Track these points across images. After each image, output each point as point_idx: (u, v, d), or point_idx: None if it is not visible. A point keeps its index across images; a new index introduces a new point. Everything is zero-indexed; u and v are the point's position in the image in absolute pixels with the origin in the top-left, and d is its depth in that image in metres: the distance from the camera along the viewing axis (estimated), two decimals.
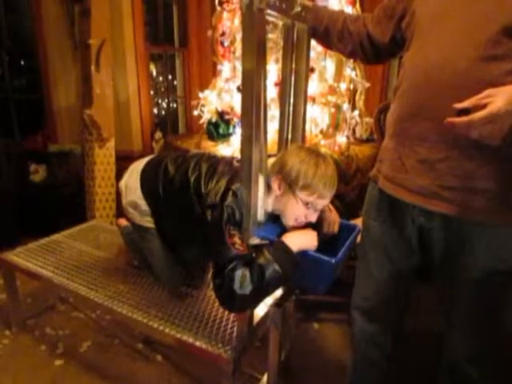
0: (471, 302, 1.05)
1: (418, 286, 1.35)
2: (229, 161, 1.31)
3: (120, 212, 2.84)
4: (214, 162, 1.31)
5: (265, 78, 1.05)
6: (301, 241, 1.11)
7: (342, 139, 2.50)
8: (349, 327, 1.98)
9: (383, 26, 1.17)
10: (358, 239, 1.31)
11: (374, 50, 1.23)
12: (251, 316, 1.27)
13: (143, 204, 1.46)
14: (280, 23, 2.18)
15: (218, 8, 2.53)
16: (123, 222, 1.94)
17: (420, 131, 0.99)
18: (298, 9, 1.12)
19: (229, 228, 1.10)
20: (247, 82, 0.97)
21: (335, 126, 2.45)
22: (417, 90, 1.00)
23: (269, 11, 1.01)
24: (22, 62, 3.61)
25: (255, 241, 1.13)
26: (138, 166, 1.52)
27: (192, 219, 1.27)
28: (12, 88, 3.31)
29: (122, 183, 1.55)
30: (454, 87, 0.91)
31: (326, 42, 1.32)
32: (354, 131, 2.63)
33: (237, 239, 1.10)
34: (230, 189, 1.14)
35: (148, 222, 1.49)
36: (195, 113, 2.82)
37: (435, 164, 0.97)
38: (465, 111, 0.81)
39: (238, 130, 2.60)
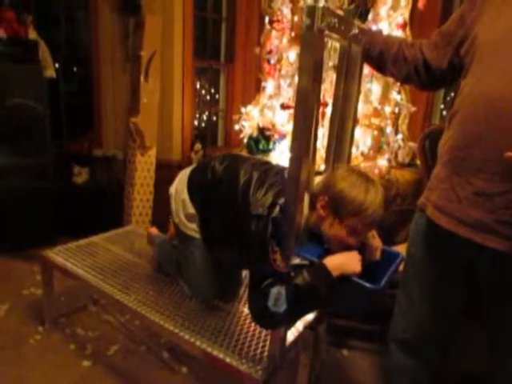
0: None
1: (463, 324, 1.28)
2: (280, 170, 1.30)
3: (155, 220, 2.91)
4: (266, 169, 1.30)
5: (318, 98, 1.04)
6: (343, 266, 1.08)
7: (382, 162, 2.45)
8: (379, 358, 1.92)
9: (440, 51, 1.15)
10: (400, 267, 1.26)
11: (429, 75, 1.20)
12: (284, 337, 1.24)
13: (191, 206, 1.47)
14: (329, 43, 2.21)
15: (268, 27, 2.57)
16: (154, 231, 1.97)
17: (477, 162, 0.95)
18: (355, 31, 1.12)
19: (272, 244, 1.08)
20: (302, 101, 0.97)
21: (377, 148, 2.41)
22: (476, 119, 0.97)
23: (327, 32, 1.01)
24: (75, 69, 3.79)
25: (296, 260, 1.12)
26: (187, 171, 1.55)
27: (234, 222, 1.27)
28: (64, 92, 3.48)
29: (172, 188, 1.57)
30: None
31: (380, 66, 1.30)
32: (396, 155, 2.58)
33: (278, 256, 1.08)
34: (277, 203, 1.12)
35: (193, 232, 1.49)
36: (236, 127, 2.85)
37: (492, 197, 0.93)
38: None
39: (278, 146, 2.61)
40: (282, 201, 1.12)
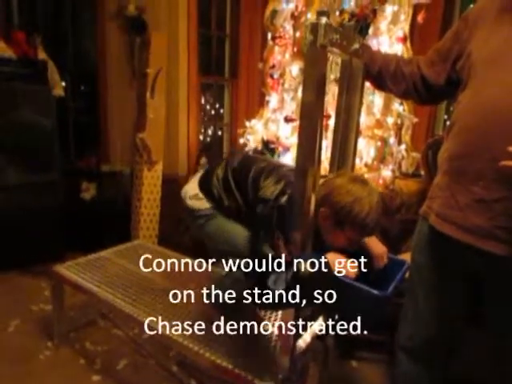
0: None
1: (468, 331, 1.28)
2: (291, 168, 1.32)
3: (161, 235, 2.93)
4: (278, 165, 1.35)
5: (322, 111, 1.07)
6: (342, 264, 1.12)
7: (386, 173, 2.47)
8: (389, 369, 1.91)
9: (437, 67, 1.18)
10: (406, 275, 1.28)
11: (427, 91, 1.23)
12: (293, 348, 1.25)
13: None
14: (331, 57, 2.26)
15: (270, 43, 2.63)
16: None
17: (475, 170, 0.99)
18: (356, 46, 1.15)
19: (277, 231, 1.13)
20: (306, 114, 1.00)
21: (381, 159, 2.44)
22: (472, 130, 1.00)
23: (329, 48, 1.04)
24: (82, 86, 3.87)
25: None
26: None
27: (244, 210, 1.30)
28: (72, 110, 3.55)
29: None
30: (510, 129, 0.91)
31: (379, 83, 1.34)
32: (399, 165, 2.60)
33: (281, 243, 1.12)
34: (286, 192, 1.16)
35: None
36: (241, 141, 2.89)
37: (492, 204, 0.96)
38: None
39: (282, 159, 2.63)
40: (291, 190, 1.15)
